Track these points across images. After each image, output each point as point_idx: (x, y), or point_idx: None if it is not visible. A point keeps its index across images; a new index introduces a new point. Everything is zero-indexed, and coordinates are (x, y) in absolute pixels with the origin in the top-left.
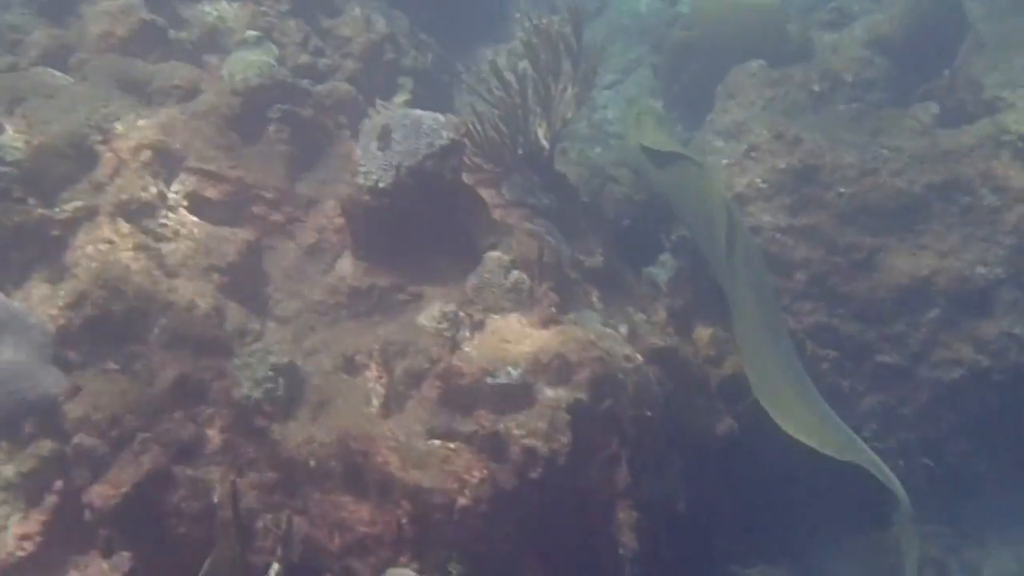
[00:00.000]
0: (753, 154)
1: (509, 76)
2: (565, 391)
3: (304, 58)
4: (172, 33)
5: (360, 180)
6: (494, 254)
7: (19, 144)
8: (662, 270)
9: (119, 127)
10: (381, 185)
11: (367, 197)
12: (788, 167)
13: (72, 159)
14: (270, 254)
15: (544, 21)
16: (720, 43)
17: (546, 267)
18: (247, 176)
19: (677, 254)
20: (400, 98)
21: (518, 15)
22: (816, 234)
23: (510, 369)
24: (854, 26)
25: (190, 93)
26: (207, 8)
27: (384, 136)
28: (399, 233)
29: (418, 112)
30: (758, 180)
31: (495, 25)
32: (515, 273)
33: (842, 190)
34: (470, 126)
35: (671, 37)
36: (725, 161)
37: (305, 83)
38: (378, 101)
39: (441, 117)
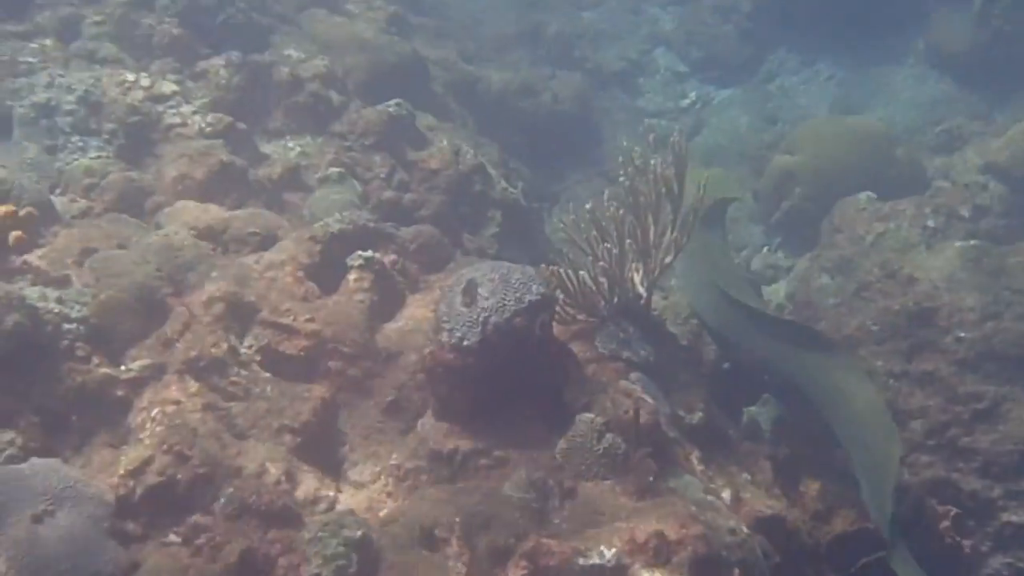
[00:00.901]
0: (864, 293)
1: (606, 222)
2: (664, 575)
3: (388, 194)
4: (252, 173)
5: (444, 337)
6: (586, 416)
7: (86, 299)
8: (764, 409)
9: (192, 278)
10: (466, 343)
11: (451, 356)
12: (902, 308)
13: (140, 314)
14: (347, 412)
15: (646, 161)
16: (824, 169)
17: (643, 430)
18: (324, 329)
19: (780, 394)
20: (488, 231)
21: (621, 158)
22: (934, 381)
23: (603, 549)
24: (965, 150)
25: (267, 240)
26: (290, 144)
27: (470, 291)
28: (484, 393)
29: (506, 265)
30: (869, 322)
31: (587, 148)
32: (609, 437)
33: (962, 334)
34: (563, 276)
35: (773, 162)
36: (833, 300)
37: (389, 227)
38: (465, 236)
39: (531, 270)
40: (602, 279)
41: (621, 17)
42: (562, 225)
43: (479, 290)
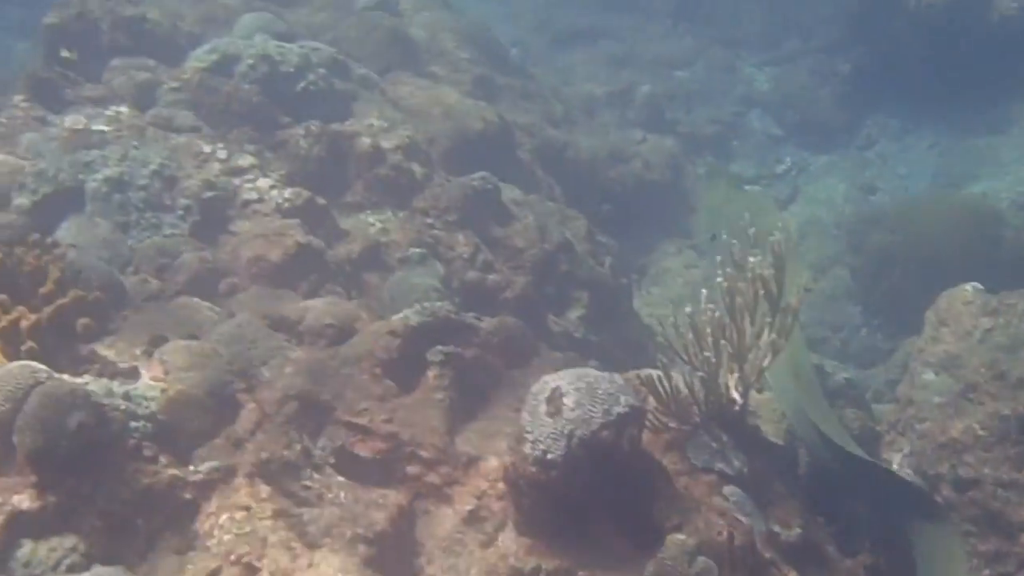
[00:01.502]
0: (971, 395)
1: (705, 327)
2: None
3: (471, 275)
4: (330, 253)
5: (527, 449)
6: (677, 537)
7: (155, 394)
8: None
9: (265, 373)
10: (549, 456)
11: (533, 469)
12: (1013, 413)
13: (210, 410)
14: (424, 520)
15: (745, 259)
16: (927, 251)
17: (737, 553)
18: (402, 431)
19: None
20: (575, 313)
21: (719, 258)
22: None
23: None
24: None
25: (344, 332)
26: (370, 218)
27: (555, 400)
28: (569, 508)
29: (593, 374)
30: (976, 426)
31: (677, 216)
32: (701, 560)
33: None
34: (655, 381)
35: (872, 240)
36: (938, 399)
37: (471, 317)
38: (550, 318)
39: (619, 379)
40: (695, 384)
41: (715, 77)
42: (659, 329)
43: (564, 400)
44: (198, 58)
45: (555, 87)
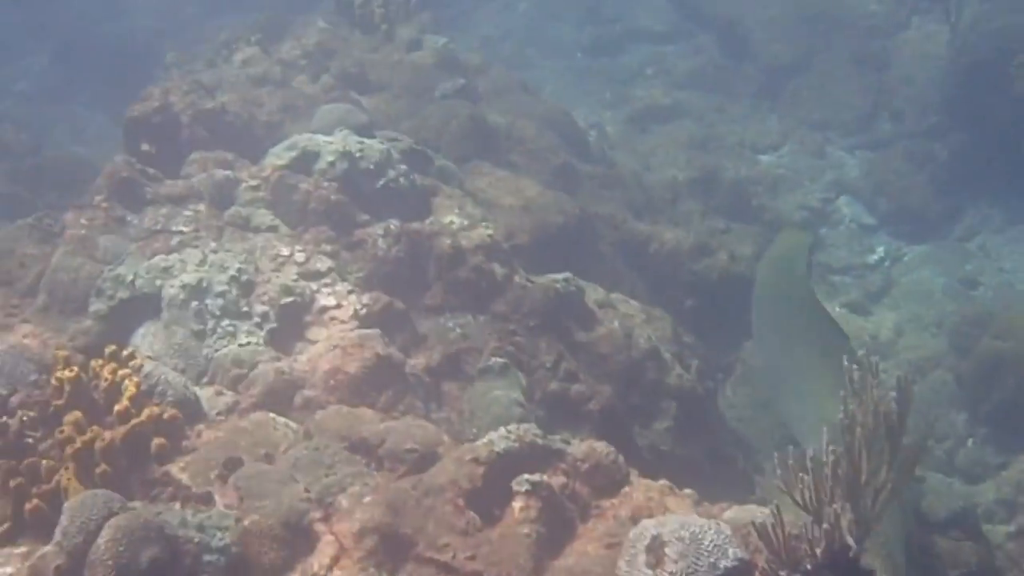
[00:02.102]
0: None
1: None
2: None
3: (554, 386)
4: (409, 363)
5: None
6: None
7: (228, 523)
8: None
9: (343, 502)
10: None
11: None
12: None
13: (286, 542)
14: None
15: (869, 393)
16: None
17: None
18: (487, 570)
19: None
20: (662, 425)
21: (842, 393)
22: None
23: None
24: None
25: (426, 458)
26: (449, 323)
27: (655, 549)
28: None
29: (698, 522)
30: None
31: None
32: None
33: None
34: (768, 529)
35: (982, 345)
36: None
37: (558, 442)
38: (636, 429)
39: (727, 529)
40: (810, 527)
41: (803, 161)
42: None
43: (666, 550)
44: (277, 155)
45: (636, 172)
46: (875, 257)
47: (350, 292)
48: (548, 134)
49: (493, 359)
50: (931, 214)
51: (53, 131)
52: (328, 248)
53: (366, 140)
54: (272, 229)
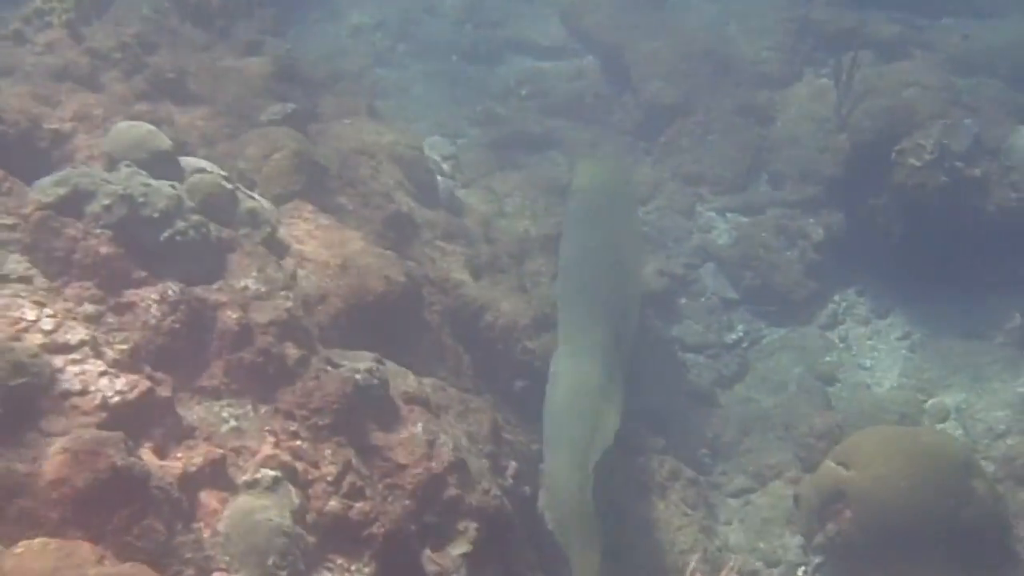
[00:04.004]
0: None
1: None
2: None
3: (333, 504)
4: (159, 473)
5: None
6: None
7: None
8: None
9: None
10: None
11: None
12: None
13: None
14: None
15: None
16: (885, 500)
17: None
18: None
19: None
20: (457, 550)
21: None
22: None
23: None
24: None
25: None
26: (224, 412)
27: None
28: None
29: None
30: None
31: None
32: None
33: None
34: None
35: (822, 469)
36: None
37: None
38: (426, 554)
39: None
40: None
41: (669, 219)
42: None
43: None
44: (43, 190)
45: (487, 219)
46: (733, 337)
47: (102, 374)
48: (389, 172)
49: (263, 471)
50: (797, 296)
51: None
52: (90, 310)
53: (153, 183)
54: (25, 280)
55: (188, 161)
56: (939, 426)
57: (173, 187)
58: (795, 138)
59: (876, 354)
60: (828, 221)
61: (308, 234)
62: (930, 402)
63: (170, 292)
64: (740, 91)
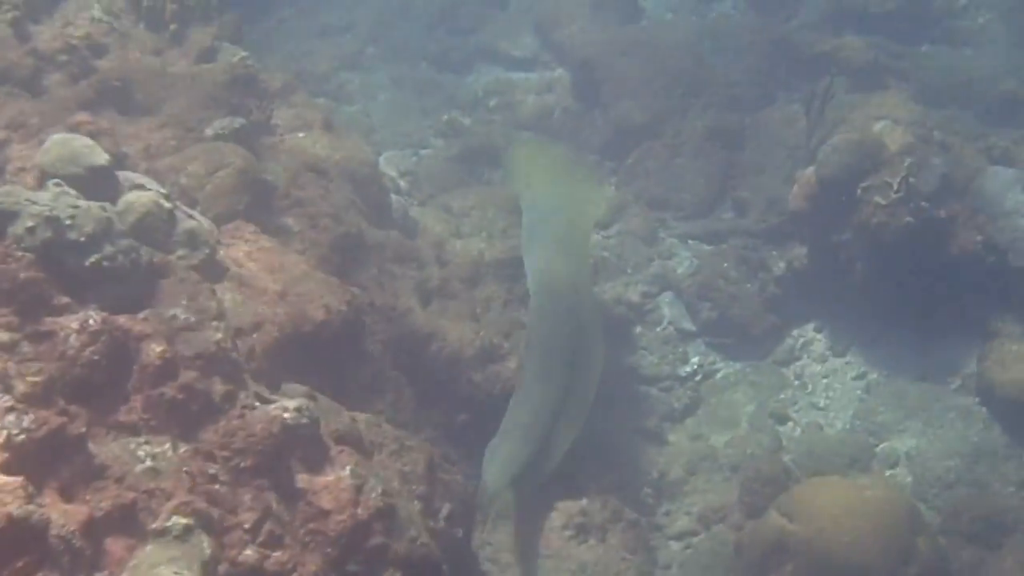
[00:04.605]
0: None
1: None
2: None
3: (248, 553)
4: (60, 521)
5: None
6: None
7: None
8: None
9: None
10: None
11: None
12: None
13: None
14: None
15: None
16: (826, 555)
17: None
18: None
19: None
20: None
21: None
22: None
23: None
24: (1004, 553)
25: None
26: (141, 451)
27: None
28: None
29: None
30: None
31: None
32: None
33: None
34: None
35: (767, 519)
36: None
37: None
38: None
39: None
40: None
41: (630, 245)
42: None
43: None
44: None
45: (440, 240)
46: (687, 369)
47: (9, 410)
48: (340, 190)
49: (175, 519)
50: (755, 330)
51: None
52: (4, 338)
53: (82, 204)
54: None
55: (127, 176)
56: (889, 472)
57: (104, 208)
58: (761, 166)
59: (831, 393)
60: (791, 255)
61: (249, 256)
62: (881, 447)
63: (91, 321)
64: (711, 113)
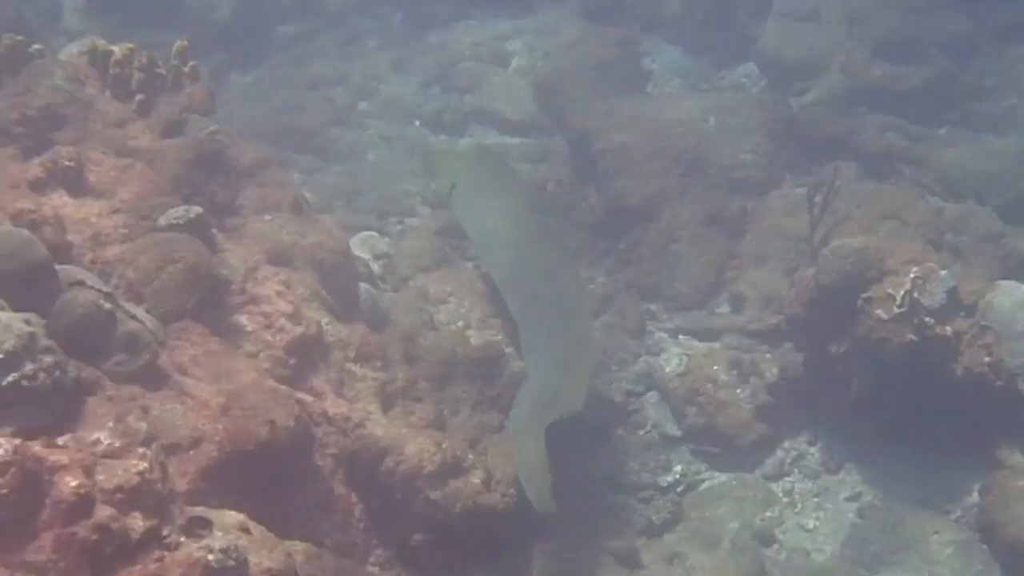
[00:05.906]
0: None
1: None
2: None
3: None
4: None
5: None
6: None
7: None
8: None
9: None
10: None
11: None
12: None
13: None
14: None
15: None
16: None
17: None
18: None
19: None
20: None
21: None
22: None
23: None
24: None
25: None
26: None
27: None
28: None
29: None
30: None
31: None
32: None
33: None
34: None
35: None
36: None
37: None
38: None
39: None
40: None
41: (615, 338)
42: None
43: None
44: None
45: (411, 333)
46: (669, 479)
47: None
48: (302, 282)
49: None
50: (743, 441)
51: None
52: None
53: (3, 317)
54: None
55: (67, 271)
56: None
57: (28, 322)
58: (763, 257)
59: (821, 514)
60: (785, 360)
61: (194, 361)
62: None
63: (1, 451)
64: (711, 197)
